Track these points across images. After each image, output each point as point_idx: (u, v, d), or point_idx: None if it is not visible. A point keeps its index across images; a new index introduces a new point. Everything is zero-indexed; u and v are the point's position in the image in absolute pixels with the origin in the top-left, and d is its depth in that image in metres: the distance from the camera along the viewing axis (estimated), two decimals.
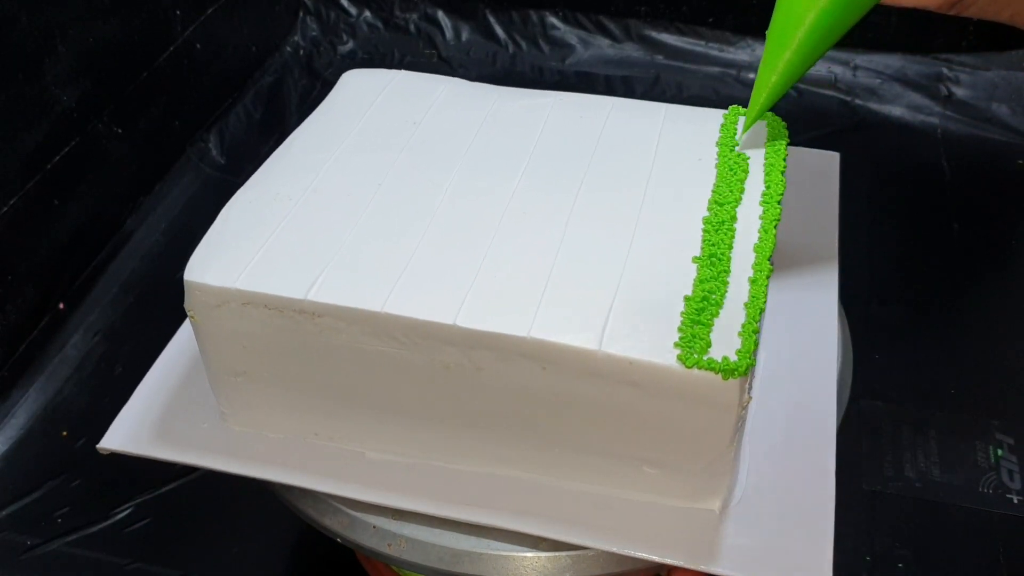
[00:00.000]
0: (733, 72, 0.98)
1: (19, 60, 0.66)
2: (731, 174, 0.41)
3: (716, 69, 0.98)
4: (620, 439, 0.36)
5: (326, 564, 0.58)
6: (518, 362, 0.35)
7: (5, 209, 0.66)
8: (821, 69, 0.96)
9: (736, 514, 0.38)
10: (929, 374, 0.67)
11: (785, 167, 0.41)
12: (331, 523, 0.41)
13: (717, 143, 0.43)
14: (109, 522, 0.60)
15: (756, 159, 0.41)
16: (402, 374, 0.37)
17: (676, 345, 0.33)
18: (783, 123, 0.43)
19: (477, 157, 0.42)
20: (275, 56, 1.02)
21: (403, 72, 0.49)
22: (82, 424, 0.65)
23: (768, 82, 0.39)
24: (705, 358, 0.33)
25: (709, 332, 0.33)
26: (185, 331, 0.46)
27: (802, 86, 0.95)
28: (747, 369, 0.33)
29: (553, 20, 1.02)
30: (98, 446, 0.41)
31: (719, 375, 0.33)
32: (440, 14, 1.04)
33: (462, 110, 0.46)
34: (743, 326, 0.34)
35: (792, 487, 0.39)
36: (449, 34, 1.04)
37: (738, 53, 0.98)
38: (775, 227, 0.38)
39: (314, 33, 1.05)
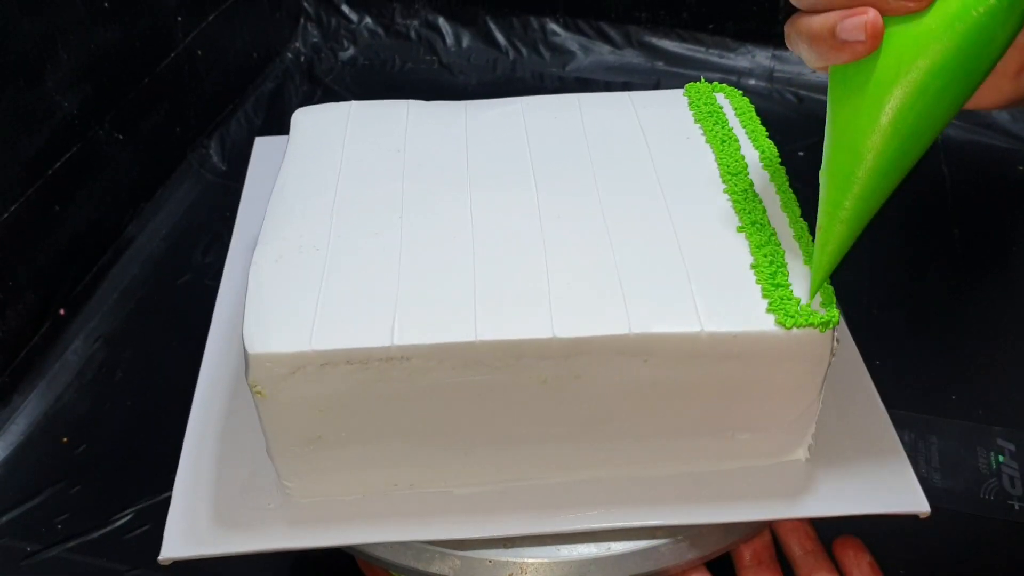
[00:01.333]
0: (733, 78, 0.98)
1: (20, 66, 0.66)
2: (725, 146, 0.42)
3: (716, 75, 0.98)
4: (717, 414, 0.38)
5: (325, 568, 0.58)
6: (619, 360, 0.35)
7: (6, 215, 0.66)
8: (823, 75, 0.96)
9: (822, 458, 0.40)
10: (930, 380, 0.67)
11: (765, 131, 0.43)
12: (440, 569, 0.39)
13: (695, 120, 0.45)
14: (109, 528, 0.60)
15: (738, 129, 0.43)
16: (495, 399, 0.36)
17: (769, 310, 0.35)
18: (739, 92, 0.46)
19: (481, 171, 0.42)
20: (276, 62, 1.02)
21: (355, 103, 0.48)
22: (83, 430, 0.65)
23: (834, 233, 0.34)
24: (801, 317, 0.34)
25: (791, 292, 0.35)
26: (202, 400, 0.44)
27: (803, 92, 0.95)
28: (839, 317, 0.35)
29: (554, 26, 1.02)
30: (159, 559, 0.37)
31: (817, 328, 0.34)
32: (441, 20, 1.04)
33: (438, 129, 0.45)
34: (816, 279, 0.35)
35: (854, 428, 0.41)
36: (450, 40, 1.04)
37: (738, 59, 0.99)
38: (787, 185, 0.40)
39: (315, 39, 1.06)
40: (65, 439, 0.65)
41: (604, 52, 1.01)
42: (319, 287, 0.36)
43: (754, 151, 0.42)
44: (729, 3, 0.97)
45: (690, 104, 0.46)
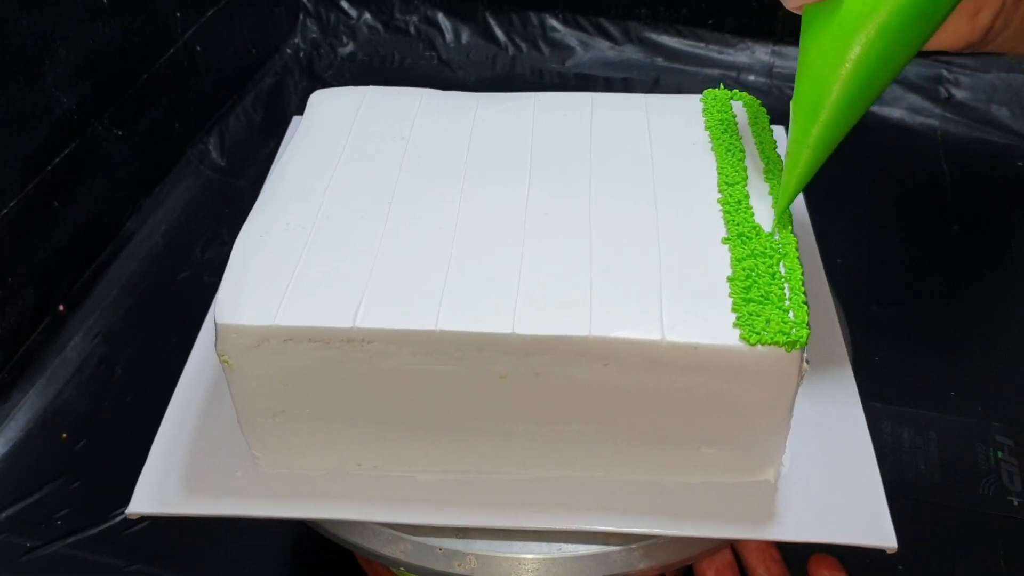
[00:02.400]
0: (733, 74, 0.98)
1: (19, 62, 0.66)
2: (730, 155, 0.42)
3: (716, 71, 0.98)
4: (680, 424, 0.37)
5: (325, 565, 0.58)
6: (578, 362, 0.35)
7: (5, 211, 0.66)
8: None
9: (791, 482, 0.39)
10: (929, 376, 0.67)
11: (775, 144, 0.42)
12: (392, 552, 0.39)
13: (705, 127, 0.44)
14: (109, 524, 0.60)
15: (747, 139, 0.42)
16: (456, 390, 0.36)
17: (735, 325, 0.34)
18: (757, 101, 0.45)
19: (479, 165, 0.42)
20: (275, 58, 1.02)
21: (372, 88, 0.48)
22: (82, 426, 0.65)
23: (800, 159, 0.36)
24: (766, 334, 0.34)
25: (763, 308, 0.34)
26: (191, 370, 0.45)
27: None
28: (807, 338, 0.34)
29: (553, 22, 1.02)
30: (127, 512, 0.39)
31: (782, 348, 0.34)
32: (440, 16, 1.04)
33: (446, 119, 0.45)
34: (792, 298, 0.35)
35: (832, 450, 0.40)
36: (449, 36, 1.04)
37: (738, 55, 0.99)
38: (790, 224, 0.39)
39: (314, 35, 1.06)
40: (64, 435, 0.65)
41: (604, 48, 1.01)
42: (295, 265, 0.37)
43: (759, 162, 0.41)
44: None
45: (704, 110, 0.45)
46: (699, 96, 0.46)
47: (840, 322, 0.46)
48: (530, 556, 0.39)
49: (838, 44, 0.34)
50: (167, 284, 0.76)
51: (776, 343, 0.34)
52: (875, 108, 0.93)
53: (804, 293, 0.35)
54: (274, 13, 1.02)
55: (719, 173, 0.41)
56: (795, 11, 0.36)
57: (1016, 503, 0.59)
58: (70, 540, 0.59)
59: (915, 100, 0.93)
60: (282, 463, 0.40)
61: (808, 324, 0.34)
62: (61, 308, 0.73)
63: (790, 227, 0.38)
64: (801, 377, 0.35)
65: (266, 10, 1.00)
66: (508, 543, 0.39)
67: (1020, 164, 0.87)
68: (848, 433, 0.40)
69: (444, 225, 0.39)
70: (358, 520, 0.39)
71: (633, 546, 0.39)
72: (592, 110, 0.46)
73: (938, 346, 0.71)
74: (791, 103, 0.36)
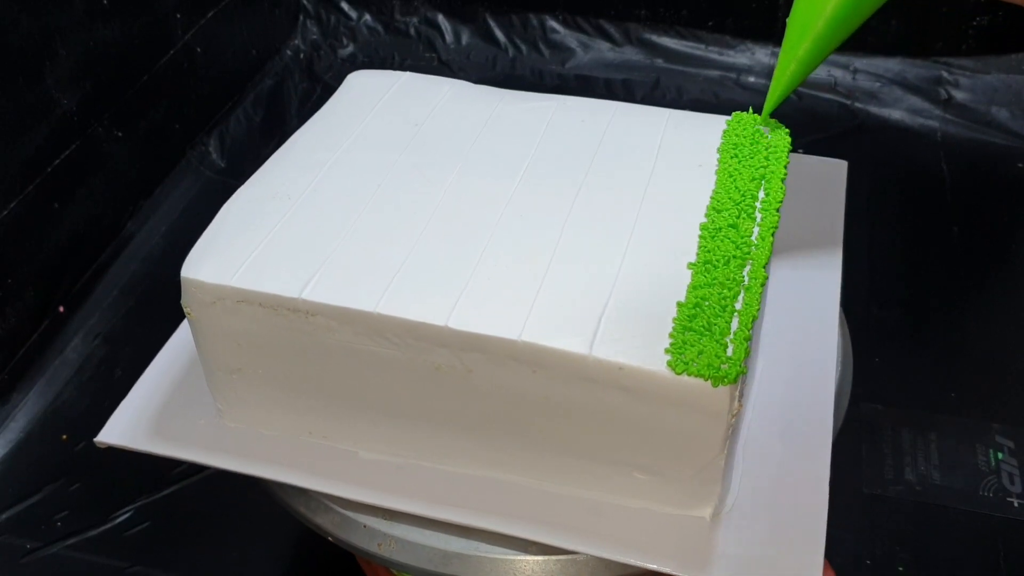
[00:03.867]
0: (733, 76, 0.98)
1: (19, 63, 0.66)
2: (730, 181, 0.40)
3: (716, 73, 0.98)
4: (611, 444, 0.36)
5: (325, 568, 0.58)
6: (509, 365, 0.35)
7: (5, 212, 0.66)
8: (821, 72, 0.96)
9: (728, 522, 0.37)
10: (929, 377, 0.67)
11: (786, 175, 0.41)
12: (323, 521, 0.41)
13: (719, 149, 0.42)
14: (109, 525, 0.60)
15: (755, 166, 0.41)
16: (394, 374, 0.37)
17: (666, 351, 0.33)
18: (786, 130, 0.43)
19: (476, 159, 0.43)
20: (275, 59, 1.02)
21: (408, 74, 0.49)
22: (82, 427, 0.65)
23: (788, 69, 0.39)
24: (695, 365, 0.33)
25: (700, 339, 0.33)
26: (185, 328, 0.47)
27: (802, 90, 0.95)
28: (736, 377, 0.32)
29: (553, 24, 1.02)
30: (96, 439, 0.41)
31: (708, 382, 0.32)
32: (440, 17, 1.04)
33: (464, 112, 0.46)
34: (735, 333, 0.33)
35: (786, 495, 0.38)
36: (449, 37, 1.04)
37: (738, 57, 0.99)
38: (772, 235, 0.38)
39: (314, 36, 1.06)
40: (64, 436, 0.65)
41: (604, 49, 1.01)
42: (269, 232, 0.38)
43: (761, 192, 0.40)
44: (729, 0, 0.97)
45: (725, 132, 0.43)
46: (727, 117, 0.44)
47: (840, 323, 0.46)
48: (448, 549, 0.39)
49: None
50: (167, 285, 0.76)
51: (702, 376, 0.32)
52: (875, 109, 0.94)
53: (750, 332, 0.34)
54: (274, 14, 1.02)
55: (712, 198, 0.40)
56: None
57: (1016, 504, 0.59)
58: (70, 541, 0.59)
59: (915, 101, 0.93)
60: (242, 419, 0.41)
61: (744, 363, 0.33)
62: (61, 309, 0.73)
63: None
64: (732, 415, 0.34)
65: (266, 11, 1.00)
66: (430, 532, 0.39)
67: (1020, 165, 0.87)
68: (807, 480, 0.39)
69: (419, 212, 0.39)
70: (296, 486, 0.40)
71: (552, 558, 0.39)
72: (611, 120, 0.45)
73: (938, 347, 0.71)
74: (788, 19, 0.39)
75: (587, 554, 0.37)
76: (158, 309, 0.76)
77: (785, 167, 0.41)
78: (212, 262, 0.37)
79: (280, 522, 0.59)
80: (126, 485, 0.62)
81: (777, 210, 0.39)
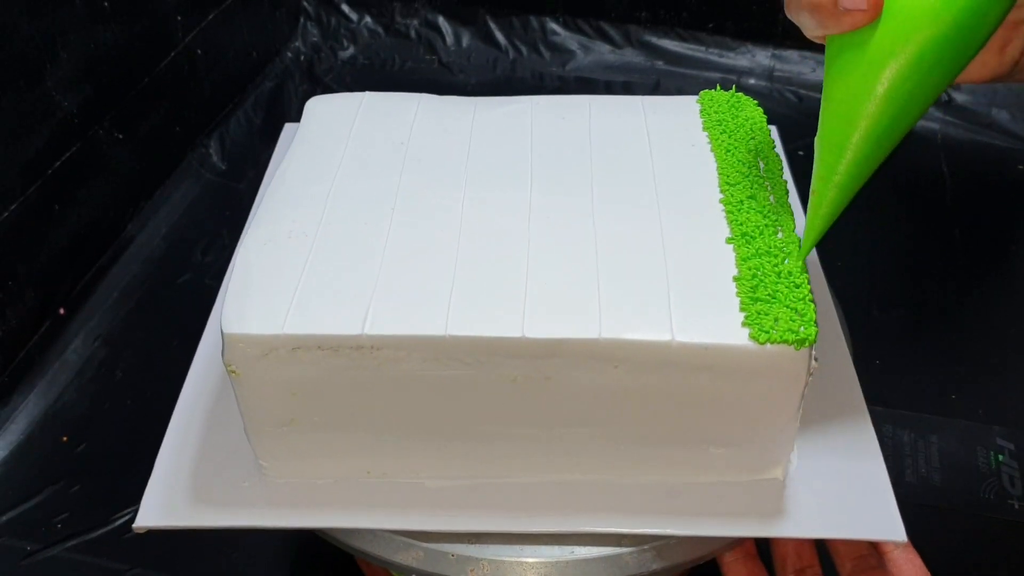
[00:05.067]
0: (733, 78, 0.98)
1: (20, 66, 0.66)
2: (729, 155, 0.42)
3: (716, 75, 0.98)
4: (690, 425, 0.37)
5: (325, 568, 0.58)
6: (589, 364, 0.35)
7: (6, 214, 0.66)
8: (821, 74, 0.96)
9: (800, 479, 0.39)
10: (930, 379, 0.67)
11: (774, 144, 0.42)
12: (405, 559, 0.39)
13: (703, 127, 0.44)
14: (109, 527, 0.60)
15: (744, 139, 0.43)
16: (466, 394, 0.36)
17: (744, 324, 0.34)
18: (754, 102, 0.45)
19: (479, 169, 0.42)
20: (276, 61, 1.02)
21: (369, 93, 0.48)
22: (83, 429, 0.65)
23: (826, 198, 0.35)
24: (775, 332, 0.34)
25: (771, 307, 0.35)
26: (194, 381, 0.44)
27: (803, 92, 0.95)
28: (816, 335, 0.34)
29: (554, 26, 1.02)
30: (134, 526, 0.39)
31: (792, 346, 0.34)
32: (441, 19, 1.04)
33: (444, 125, 0.45)
34: (799, 295, 0.35)
35: (839, 449, 0.40)
36: (450, 39, 1.04)
37: (738, 58, 0.99)
38: (787, 199, 0.39)
39: (315, 39, 1.06)
40: (65, 438, 0.65)
41: (604, 51, 1.01)
42: (301, 272, 0.37)
43: (759, 162, 0.41)
44: (729, 2, 0.97)
45: (702, 111, 0.45)
46: (696, 97, 0.46)
47: (841, 325, 0.46)
48: (543, 560, 0.39)
49: (866, 77, 0.32)
50: (168, 287, 0.76)
51: (785, 341, 0.34)
52: None
53: (810, 291, 0.35)
54: (275, 17, 1.02)
55: (720, 173, 0.41)
56: (817, 40, 0.34)
57: (1017, 506, 0.59)
58: (70, 544, 0.59)
59: None
60: (290, 472, 0.39)
61: (816, 322, 0.34)
62: (62, 311, 0.73)
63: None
64: (810, 375, 0.35)
65: (267, 14, 1.00)
66: (520, 547, 0.39)
67: (1021, 167, 0.87)
68: (853, 430, 0.41)
69: (447, 229, 0.39)
70: (368, 528, 0.39)
71: (645, 547, 0.39)
72: (590, 113, 0.46)
73: (939, 349, 0.71)
74: (816, 139, 0.35)
75: (677, 536, 0.38)
76: (159, 311, 0.76)
77: (770, 136, 0.43)
78: (255, 313, 0.35)
79: (289, 530, 0.59)
80: (126, 487, 0.61)
81: (782, 176, 0.41)
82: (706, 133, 0.44)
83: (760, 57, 0.98)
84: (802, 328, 0.34)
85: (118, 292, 0.76)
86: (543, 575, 0.39)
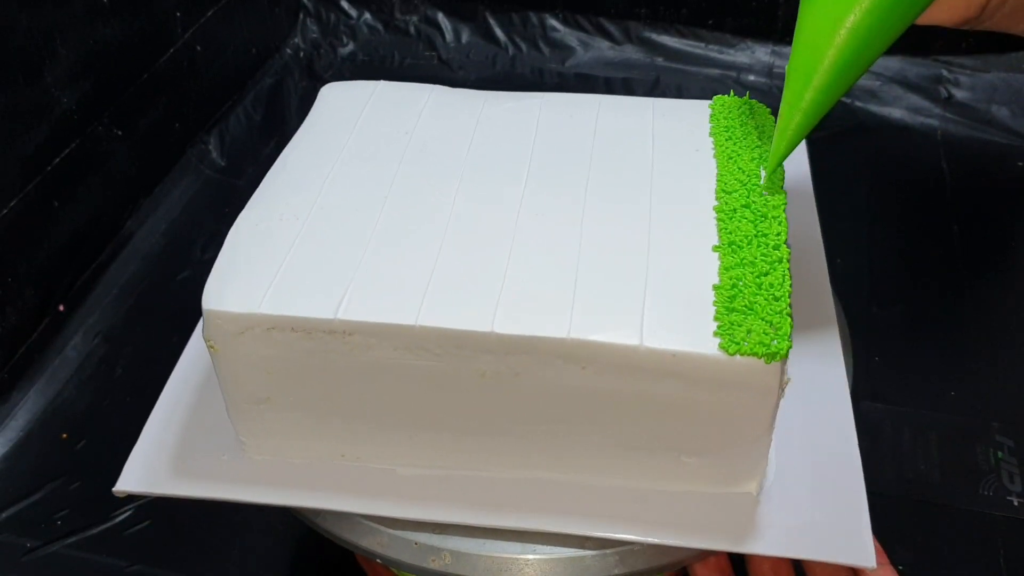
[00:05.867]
0: (733, 74, 0.98)
1: (19, 62, 0.66)
2: (731, 163, 0.41)
3: (716, 71, 0.98)
4: (660, 432, 0.37)
5: (326, 566, 0.58)
6: (557, 364, 0.35)
7: (5, 211, 0.66)
8: None
9: (774, 494, 0.38)
10: (929, 376, 0.67)
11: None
12: (369, 544, 0.40)
13: (710, 133, 0.43)
14: (109, 524, 0.60)
15: (752, 147, 0.42)
16: (436, 386, 0.37)
17: (715, 334, 0.34)
18: (767, 109, 0.44)
19: (478, 163, 0.42)
20: (275, 58, 1.02)
21: (383, 82, 0.48)
22: (82, 426, 0.65)
23: (792, 122, 0.37)
24: (746, 344, 0.33)
25: (745, 318, 0.34)
26: (188, 359, 0.45)
27: None
28: (788, 351, 0.33)
29: (553, 22, 1.02)
30: (114, 489, 0.40)
31: (762, 359, 0.33)
32: (440, 16, 1.04)
33: (452, 117, 0.46)
34: (776, 309, 0.34)
35: (820, 465, 0.39)
36: (449, 36, 1.04)
37: (738, 55, 0.99)
38: (784, 210, 0.38)
39: (314, 35, 1.05)
40: (65, 435, 0.65)
41: (604, 48, 1.01)
42: (285, 255, 0.37)
43: (761, 170, 0.40)
44: None
45: (712, 116, 0.44)
46: (708, 102, 0.45)
47: (840, 322, 0.46)
48: (504, 556, 0.39)
49: (834, 13, 0.35)
50: (167, 284, 0.76)
51: (755, 354, 0.33)
52: (875, 108, 0.93)
53: (790, 305, 0.35)
54: (274, 13, 1.02)
55: (718, 180, 0.40)
56: None
57: (1016, 503, 0.59)
58: (70, 540, 0.59)
59: (915, 100, 0.93)
60: (267, 449, 0.40)
61: (790, 337, 0.33)
62: (61, 308, 0.73)
63: (781, 185, 0.39)
64: (782, 390, 0.34)
65: (266, 10, 1.00)
66: (483, 541, 0.39)
67: (1020, 164, 0.87)
68: (836, 446, 0.40)
69: (435, 221, 0.39)
70: (337, 510, 0.39)
71: (608, 551, 0.39)
72: (598, 113, 0.45)
73: (938, 346, 0.71)
74: (787, 67, 0.38)
75: (642, 543, 0.38)
76: (158, 308, 0.76)
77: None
78: (235, 292, 0.36)
79: (280, 522, 0.60)
80: None
81: (782, 187, 0.40)
82: (712, 139, 0.43)
83: (760, 53, 0.98)
84: (774, 342, 0.33)
85: (117, 289, 0.76)
86: (503, 570, 0.39)
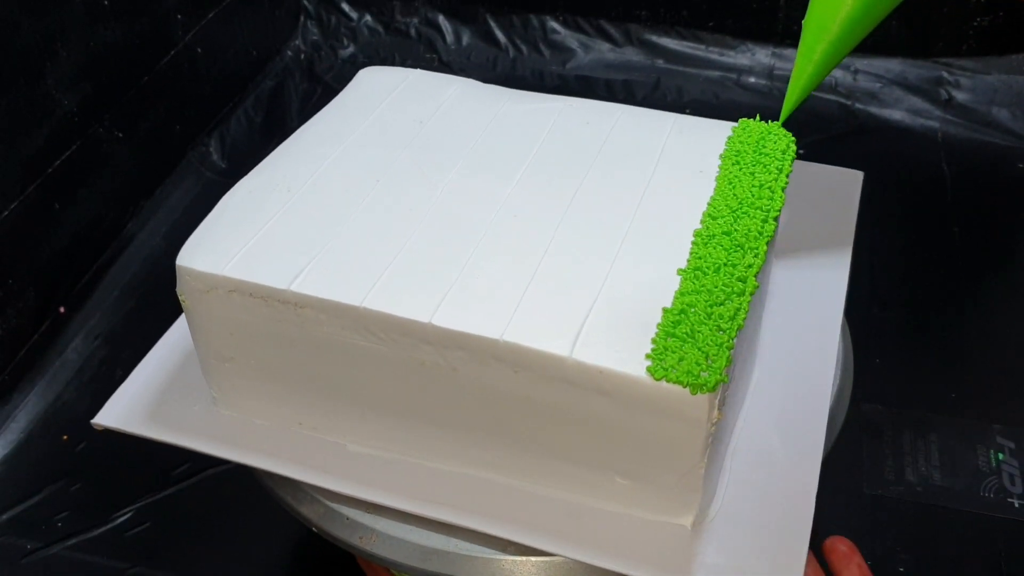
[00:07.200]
0: (733, 76, 0.98)
1: (20, 64, 0.66)
2: (729, 188, 0.40)
3: (716, 73, 0.98)
4: (591, 447, 0.36)
5: (325, 568, 0.58)
6: (492, 365, 0.35)
7: (6, 213, 0.66)
8: None
9: (710, 531, 0.37)
10: (930, 378, 0.67)
11: (787, 183, 0.40)
12: (308, 512, 0.41)
13: (721, 155, 0.42)
14: (109, 526, 0.60)
15: (755, 173, 0.40)
16: (380, 369, 0.37)
17: (647, 356, 0.33)
18: (792, 137, 0.42)
19: (477, 159, 0.43)
20: (276, 60, 1.02)
21: (418, 71, 0.49)
22: (83, 428, 0.65)
23: (806, 72, 0.40)
24: (674, 371, 0.32)
25: (682, 345, 0.33)
26: (183, 319, 0.46)
27: None
28: (716, 385, 0.32)
29: (554, 24, 1.02)
30: (92, 421, 0.42)
31: (687, 389, 0.32)
32: (441, 18, 1.04)
33: (470, 111, 0.46)
34: (718, 342, 0.33)
35: (772, 505, 0.38)
36: (450, 38, 1.04)
37: (738, 57, 0.99)
38: (767, 244, 0.37)
39: (315, 37, 1.06)
40: (65, 437, 0.65)
41: (604, 50, 1.01)
42: (266, 223, 0.39)
43: (754, 199, 0.39)
44: (729, 1, 0.97)
45: (729, 139, 0.43)
46: (733, 124, 0.44)
47: (841, 324, 0.46)
48: (428, 545, 0.40)
49: None
50: (168, 286, 0.76)
51: (680, 383, 0.32)
52: (876, 110, 0.94)
53: (733, 340, 0.33)
54: (275, 15, 1.02)
55: (709, 204, 0.39)
56: None
57: (1017, 505, 0.59)
58: (70, 542, 0.59)
59: (916, 102, 0.93)
60: (235, 406, 0.42)
61: (725, 372, 0.32)
62: (62, 309, 0.73)
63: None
64: (712, 424, 0.33)
65: (267, 12, 1.00)
66: (411, 528, 0.40)
67: (1021, 166, 0.87)
68: (795, 488, 0.39)
69: (416, 210, 0.40)
70: (285, 476, 0.40)
71: (532, 559, 0.39)
72: (615, 123, 0.45)
73: (939, 348, 0.71)
74: (803, 21, 0.40)
75: (564, 557, 0.37)
76: (159, 309, 0.76)
77: (787, 176, 0.40)
78: (207, 252, 0.38)
79: (280, 523, 0.59)
80: (127, 486, 0.62)
81: (775, 219, 0.38)
82: (719, 161, 0.42)
83: (760, 55, 0.98)
84: (704, 373, 0.32)
85: (118, 291, 0.76)
86: (423, 558, 0.39)
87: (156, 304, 0.75)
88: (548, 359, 0.34)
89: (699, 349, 0.33)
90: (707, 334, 0.33)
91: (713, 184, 0.41)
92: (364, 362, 0.37)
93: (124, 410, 0.42)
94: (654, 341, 0.33)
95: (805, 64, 0.40)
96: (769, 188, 0.40)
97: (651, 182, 0.41)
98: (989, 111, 0.91)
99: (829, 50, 0.39)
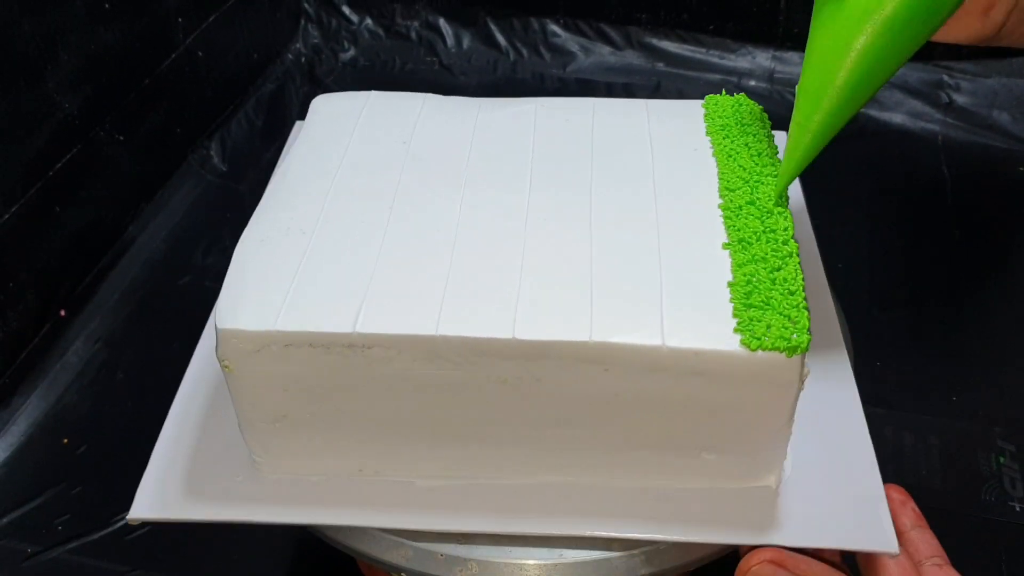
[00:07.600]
0: (734, 79, 0.98)
1: (21, 67, 0.66)
2: (731, 160, 0.42)
3: (717, 76, 0.99)
4: (681, 430, 0.37)
5: (325, 568, 0.58)
6: (579, 367, 0.35)
7: (7, 216, 0.66)
8: None
9: (791, 488, 0.39)
10: (930, 381, 0.67)
11: (776, 149, 0.42)
12: (393, 558, 0.39)
13: (707, 132, 0.44)
14: (110, 529, 0.60)
15: (749, 144, 0.42)
16: (456, 395, 0.36)
17: (736, 330, 0.34)
18: (759, 107, 0.45)
19: (480, 170, 0.43)
20: (276, 63, 1.02)
21: (374, 92, 0.48)
22: (83, 431, 0.65)
23: (802, 143, 0.38)
24: (767, 339, 0.34)
25: (764, 314, 0.34)
26: (193, 375, 0.45)
27: None
28: (808, 343, 0.34)
29: (554, 27, 1.02)
30: (128, 517, 0.39)
31: (783, 353, 0.34)
32: (441, 21, 1.04)
33: (448, 124, 0.46)
34: (793, 304, 0.35)
35: (835, 457, 0.40)
36: (450, 41, 1.04)
37: (739, 60, 0.99)
38: (787, 205, 0.39)
39: (315, 40, 1.06)
40: (66, 440, 0.65)
41: (604, 53, 1.01)
42: (296, 269, 0.37)
43: (760, 167, 0.41)
44: (729, 4, 0.97)
45: (706, 116, 0.45)
46: (701, 101, 0.46)
47: (841, 327, 0.46)
48: (532, 562, 0.39)
49: (845, 34, 0.35)
50: (168, 289, 0.76)
51: (777, 349, 0.34)
52: (876, 113, 0.94)
53: (805, 298, 0.35)
54: (275, 18, 1.02)
55: (720, 178, 0.41)
56: None
57: (1018, 508, 0.59)
58: (71, 545, 0.59)
59: (916, 105, 0.93)
60: (283, 468, 0.40)
61: (809, 330, 0.34)
62: (62, 312, 0.73)
63: (786, 204, 0.39)
64: (802, 383, 0.35)
65: (267, 15, 1.00)
66: (509, 548, 0.39)
67: (1021, 169, 0.87)
68: (849, 437, 0.41)
69: (444, 229, 0.39)
70: (359, 526, 0.39)
71: (635, 552, 0.39)
72: (594, 115, 0.46)
73: (939, 351, 0.71)
74: (797, 88, 0.38)
75: (667, 541, 0.38)
76: (160, 313, 0.76)
77: (773, 142, 0.43)
78: (249, 310, 0.36)
79: (280, 527, 0.59)
80: (127, 489, 0.61)
81: (787, 204, 0.40)
82: (709, 138, 0.44)
83: (761, 59, 0.98)
84: (794, 335, 0.34)
85: (119, 294, 0.76)
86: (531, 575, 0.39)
87: (157, 307, 0.75)
88: (642, 351, 0.34)
89: (780, 314, 0.34)
90: (780, 299, 0.35)
91: (712, 159, 0.42)
92: (437, 391, 0.36)
93: (159, 496, 0.40)
94: (735, 315, 0.35)
95: (802, 135, 0.37)
96: (768, 155, 0.41)
97: (655, 166, 0.42)
98: (989, 114, 0.92)
99: (827, 120, 0.37)
